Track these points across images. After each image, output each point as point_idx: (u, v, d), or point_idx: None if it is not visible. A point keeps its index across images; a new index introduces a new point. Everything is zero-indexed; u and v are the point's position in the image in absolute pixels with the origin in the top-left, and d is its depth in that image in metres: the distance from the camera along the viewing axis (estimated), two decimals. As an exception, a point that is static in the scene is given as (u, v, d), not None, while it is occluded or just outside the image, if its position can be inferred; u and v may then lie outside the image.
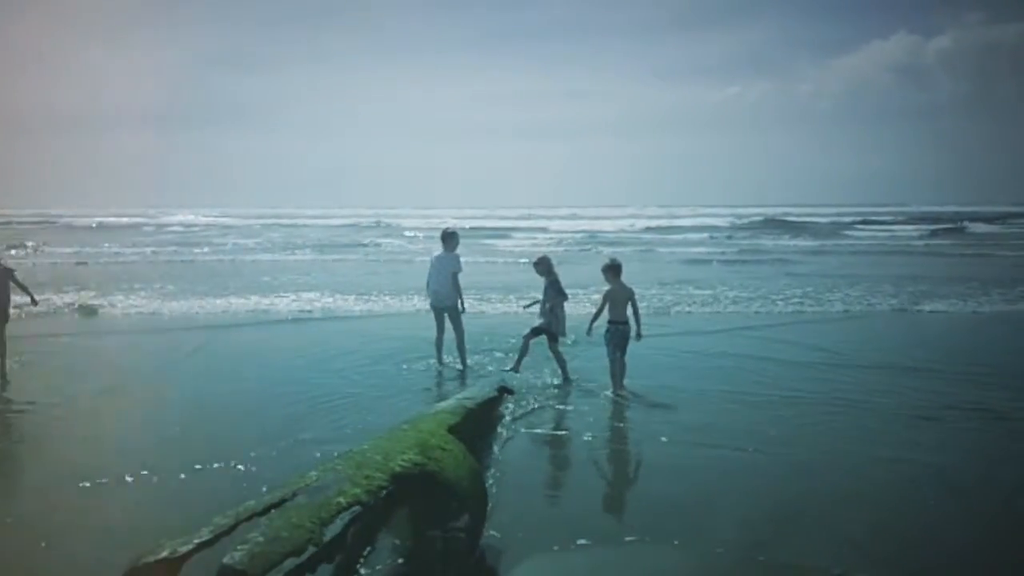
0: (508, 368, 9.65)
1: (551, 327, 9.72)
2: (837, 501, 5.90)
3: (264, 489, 5.61)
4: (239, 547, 2.93)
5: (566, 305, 10.00)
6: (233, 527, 3.07)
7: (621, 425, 8.24)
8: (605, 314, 9.27)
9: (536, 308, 10.05)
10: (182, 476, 6.34)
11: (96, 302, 16.75)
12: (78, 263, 28.22)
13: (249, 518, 3.16)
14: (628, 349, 9.24)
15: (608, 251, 31.60)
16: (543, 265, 9.90)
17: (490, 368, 10.31)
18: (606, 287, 9.36)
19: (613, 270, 9.34)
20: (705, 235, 46.70)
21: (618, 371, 9.19)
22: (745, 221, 58.84)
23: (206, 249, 36.91)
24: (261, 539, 3.00)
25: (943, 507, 5.85)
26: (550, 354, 9.83)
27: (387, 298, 17.55)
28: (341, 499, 3.52)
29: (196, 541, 2.90)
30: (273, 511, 3.28)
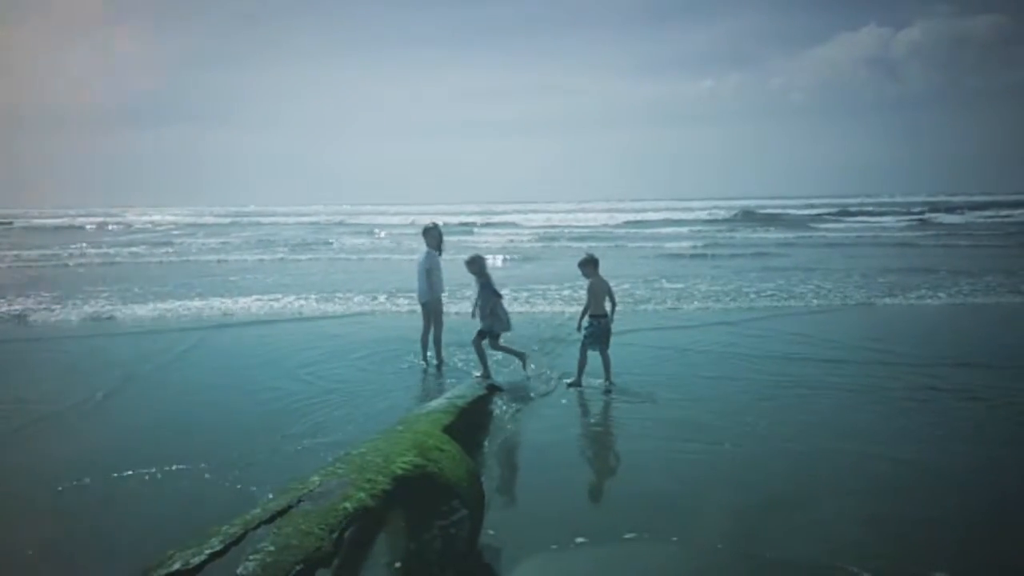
0: (478, 375, 9.41)
1: (494, 328, 9.59)
2: (832, 495, 5.91)
3: (254, 490, 5.70)
4: (251, 557, 2.86)
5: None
6: (242, 536, 2.99)
7: (610, 420, 8.24)
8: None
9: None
10: (178, 476, 6.24)
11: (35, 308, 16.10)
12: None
13: (257, 526, 3.08)
14: (610, 343, 9.29)
15: (579, 246, 31.80)
16: (475, 265, 9.68)
17: (458, 363, 10.30)
18: (584, 282, 9.37)
19: (592, 264, 9.34)
20: (681, 229, 46.91)
21: (584, 364, 9.21)
22: (721, 215, 59.21)
23: (167, 250, 36.16)
24: (272, 548, 2.93)
25: (941, 498, 5.88)
26: (498, 353, 9.79)
27: (357, 297, 17.27)
28: (347, 504, 3.45)
29: (207, 551, 2.81)
30: (279, 518, 3.20)
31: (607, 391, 9.01)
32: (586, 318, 9.29)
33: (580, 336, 9.39)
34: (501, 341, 9.72)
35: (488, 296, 9.57)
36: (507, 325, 9.69)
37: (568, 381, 9.21)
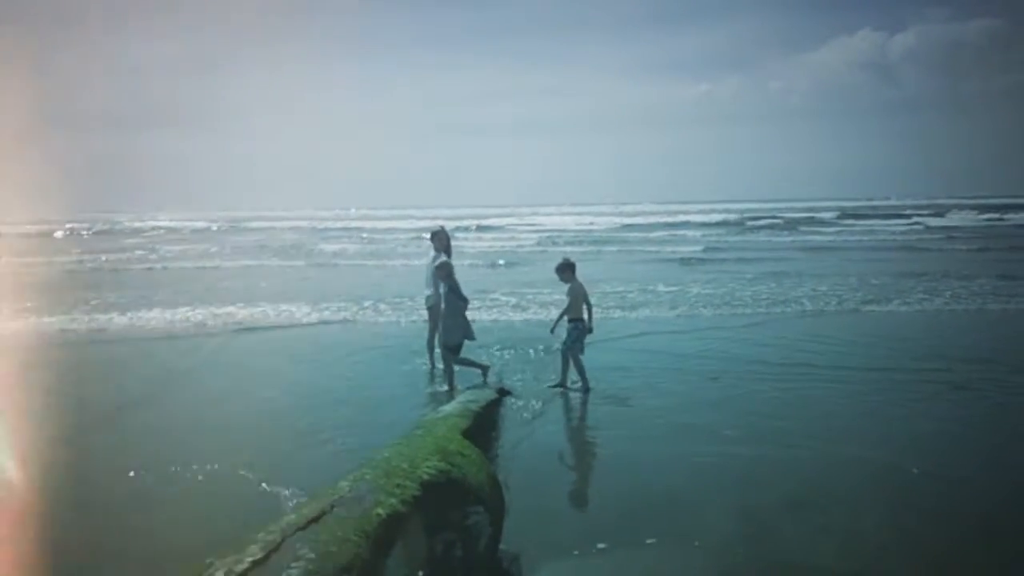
0: (482, 381, 9.29)
1: (470, 335, 9.47)
2: (849, 498, 5.92)
3: (282, 492, 5.68)
4: (293, 565, 2.82)
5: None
6: (281, 543, 2.96)
7: (622, 424, 8.11)
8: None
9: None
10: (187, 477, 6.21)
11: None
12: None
13: (293, 533, 3.05)
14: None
15: (578, 250, 31.80)
16: (444, 270, 9.53)
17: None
18: (566, 286, 9.32)
19: (570, 269, 9.34)
20: (678, 232, 46.92)
21: (582, 367, 9.21)
22: (718, 218, 59.15)
23: (166, 256, 35.87)
24: (312, 555, 2.90)
25: (958, 503, 5.88)
26: (443, 364, 9.58)
27: (351, 303, 16.83)
28: (380, 510, 3.43)
29: (249, 559, 2.78)
30: (314, 525, 3.17)
31: (562, 391, 9.07)
32: (564, 322, 9.26)
33: (560, 342, 9.35)
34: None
35: (454, 300, 9.37)
36: (471, 333, 9.56)
37: (587, 387, 9.16)
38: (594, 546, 5.06)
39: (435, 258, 10.39)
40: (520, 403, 8.47)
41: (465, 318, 9.48)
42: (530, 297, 17.04)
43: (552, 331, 9.37)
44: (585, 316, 9.22)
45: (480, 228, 53.54)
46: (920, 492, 6.03)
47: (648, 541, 5.10)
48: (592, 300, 9.41)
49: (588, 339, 9.31)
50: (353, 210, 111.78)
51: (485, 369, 9.48)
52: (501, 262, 28.42)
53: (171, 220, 75.45)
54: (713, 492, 6.04)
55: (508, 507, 5.35)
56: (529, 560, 4.95)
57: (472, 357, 9.63)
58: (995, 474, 6.50)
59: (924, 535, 5.25)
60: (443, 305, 9.50)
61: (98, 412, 8.59)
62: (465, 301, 9.49)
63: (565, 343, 9.24)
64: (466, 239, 42.33)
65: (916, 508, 5.71)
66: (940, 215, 59.01)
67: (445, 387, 9.29)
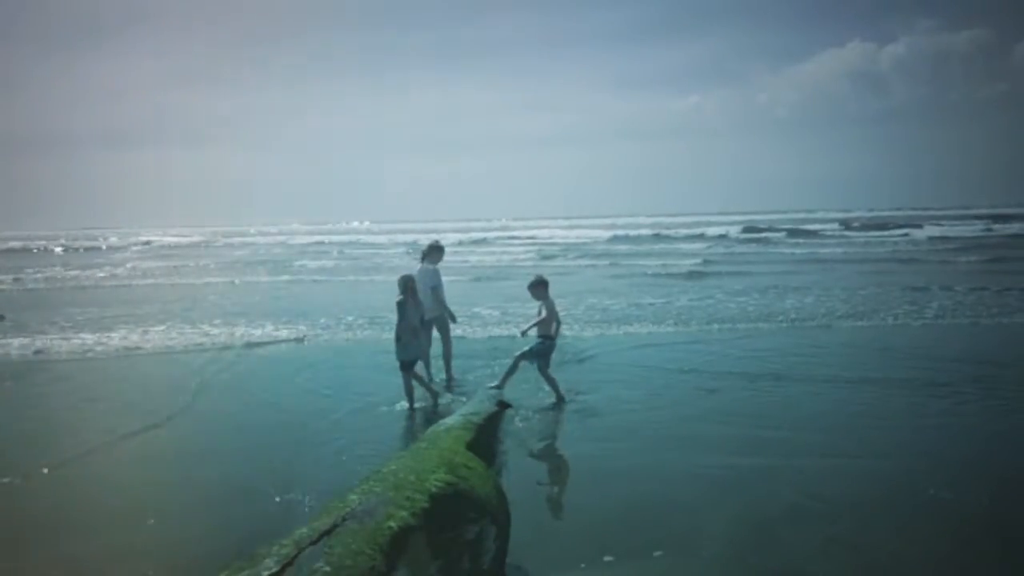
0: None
1: (417, 354, 9.36)
2: (854, 508, 5.87)
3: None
4: (308, 578, 2.79)
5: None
6: (295, 557, 2.92)
7: (621, 436, 8.09)
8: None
9: None
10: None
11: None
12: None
13: (306, 547, 3.02)
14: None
15: (574, 264, 31.78)
16: (401, 283, 9.36)
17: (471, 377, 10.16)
18: (542, 302, 9.32)
19: (544, 285, 9.37)
20: (668, 246, 46.99)
21: (553, 381, 9.25)
22: (709, 231, 59.15)
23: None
24: (328, 568, 2.86)
25: (965, 512, 5.85)
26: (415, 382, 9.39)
27: (331, 320, 16.64)
28: (392, 523, 3.40)
29: (266, 573, 2.74)
30: (326, 538, 3.14)
31: (560, 408, 9.03)
32: (536, 334, 9.29)
33: (523, 340, 9.40)
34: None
35: (411, 318, 9.21)
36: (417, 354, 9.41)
37: (561, 398, 9.16)
38: (601, 559, 5.02)
39: (434, 271, 10.39)
40: (518, 415, 8.43)
41: (419, 336, 9.34)
42: (513, 310, 16.89)
43: (523, 334, 9.37)
44: (552, 332, 9.28)
45: (470, 242, 53.56)
46: (926, 499, 6.00)
47: (655, 553, 5.06)
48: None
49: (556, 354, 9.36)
50: (344, 224, 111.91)
51: (411, 397, 9.20)
52: (482, 277, 28.31)
53: (170, 236, 75.31)
54: (717, 503, 6.00)
55: (513, 519, 5.33)
56: (536, 573, 4.91)
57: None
58: (1000, 479, 6.48)
59: (936, 544, 5.24)
60: (403, 321, 9.23)
61: (94, 435, 8.43)
62: (406, 321, 9.17)
63: (525, 352, 9.23)
64: (457, 253, 42.34)
65: (924, 516, 5.70)
66: (920, 226, 59.21)
67: (441, 401, 9.22)
